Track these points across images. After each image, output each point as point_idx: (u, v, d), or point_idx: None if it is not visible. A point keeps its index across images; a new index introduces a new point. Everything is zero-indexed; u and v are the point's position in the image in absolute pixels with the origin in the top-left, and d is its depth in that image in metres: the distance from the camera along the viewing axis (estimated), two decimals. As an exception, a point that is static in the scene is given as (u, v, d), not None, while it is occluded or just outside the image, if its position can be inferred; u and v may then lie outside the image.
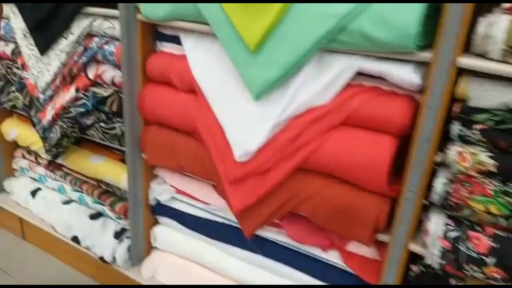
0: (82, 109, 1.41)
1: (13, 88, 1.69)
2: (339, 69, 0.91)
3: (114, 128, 1.38)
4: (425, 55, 0.82)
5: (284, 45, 0.92)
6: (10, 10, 1.54)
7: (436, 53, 0.80)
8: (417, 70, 0.85)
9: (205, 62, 1.12)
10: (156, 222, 1.51)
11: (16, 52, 1.59)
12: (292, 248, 1.20)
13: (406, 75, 0.85)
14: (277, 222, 1.17)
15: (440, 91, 0.81)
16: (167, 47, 1.25)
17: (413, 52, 0.82)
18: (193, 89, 1.16)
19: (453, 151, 0.87)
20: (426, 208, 0.97)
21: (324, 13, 0.85)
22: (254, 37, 0.93)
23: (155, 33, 1.27)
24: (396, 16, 0.79)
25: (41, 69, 1.45)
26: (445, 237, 0.91)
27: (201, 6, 1.02)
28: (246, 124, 1.04)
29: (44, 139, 1.52)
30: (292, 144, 0.99)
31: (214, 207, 1.30)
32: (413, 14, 0.78)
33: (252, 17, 0.93)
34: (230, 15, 0.97)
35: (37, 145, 1.68)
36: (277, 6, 0.89)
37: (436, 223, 0.93)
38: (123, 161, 1.51)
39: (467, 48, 0.82)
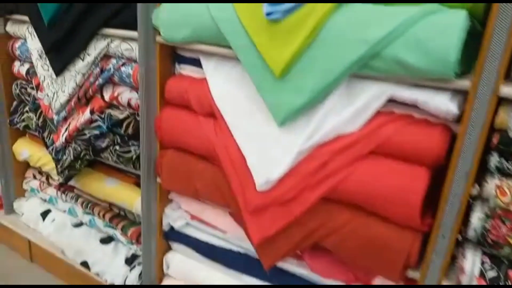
0: (96, 131, 1.38)
1: (26, 108, 1.67)
2: (370, 96, 0.87)
3: (129, 151, 1.34)
4: (464, 83, 0.77)
5: (312, 71, 0.88)
6: (26, 30, 1.53)
7: (476, 82, 0.75)
8: (453, 99, 0.81)
9: (226, 86, 1.09)
10: (169, 249, 1.45)
11: (31, 72, 1.57)
12: (313, 281, 1.14)
13: (442, 103, 0.80)
14: (298, 253, 1.11)
15: (481, 122, 0.76)
16: (186, 70, 1.22)
17: (451, 79, 0.77)
18: (212, 113, 1.12)
19: (491, 184, 0.82)
20: (458, 242, 0.91)
21: (356, 39, 0.81)
22: (280, 63, 0.89)
23: (173, 55, 1.24)
24: (434, 42, 0.74)
25: (56, 90, 1.43)
26: (483, 276, 0.85)
27: (225, 30, 0.98)
28: (269, 151, 1.00)
29: (56, 161, 1.49)
30: (317, 173, 0.94)
31: (231, 235, 1.25)
32: (453, 40, 0.73)
33: (278, 42, 0.89)
34: (254, 39, 0.93)
35: (49, 166, 1.65)
36: (305, 31, 0.85)
37: (472, 261, 0.88)
38: (136, 184, 1.47)
39: (506, 74, 0.77)
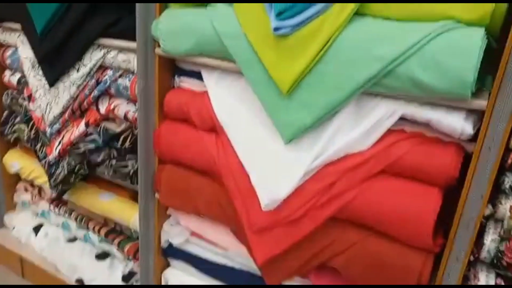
0: (92, 145, 1.33)
1: (18, 119, 1.61)
2: (381, 115, 0.84)
3: (126, 166, 1.30)
4: (481, 103, 0.75)
5: (322, 88, 0.85)
6: (18, 38, 1.48)
7: (493, 102, 0.73)
8: (468, 118, 0.78)
9: (229, 100, 1.05)
10: (167, 265, 1.41)
11: (23, 82, 1.52)
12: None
13: (457, 123, 0.77)
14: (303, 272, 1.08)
15: (497, 143, 0.73)
16: (186, 83, 1.18)
17: (467, 99, 0.75)
18: (214, 128, 1.09)
19: (506, 205, 0.80)
20: (470, 262, 0.89)
21: (370, 56, 0.78)
22: (288, 80, 0.86)
23: (173, 67, 1.20)
24: (451, 62, 0.71)
25: (49, 101, 1.38)
26: (497, 299, 0.83)
27: (229, 44, 0.95)
28: (275, 169, 0.96)
29: (49, 175, 1.44)
30: (326, 193, 0.91)
31: (233, 253, 1.21)
32: (471, 60, 0.70)
33: (286, 58, 0.86)
34: (261, 55, 0.90)
35: (42, 179, 1.59)
36: (315, 47, 0.82)
37: (486, 283, 0.85)
38: (133, 198, 1.43)
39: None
